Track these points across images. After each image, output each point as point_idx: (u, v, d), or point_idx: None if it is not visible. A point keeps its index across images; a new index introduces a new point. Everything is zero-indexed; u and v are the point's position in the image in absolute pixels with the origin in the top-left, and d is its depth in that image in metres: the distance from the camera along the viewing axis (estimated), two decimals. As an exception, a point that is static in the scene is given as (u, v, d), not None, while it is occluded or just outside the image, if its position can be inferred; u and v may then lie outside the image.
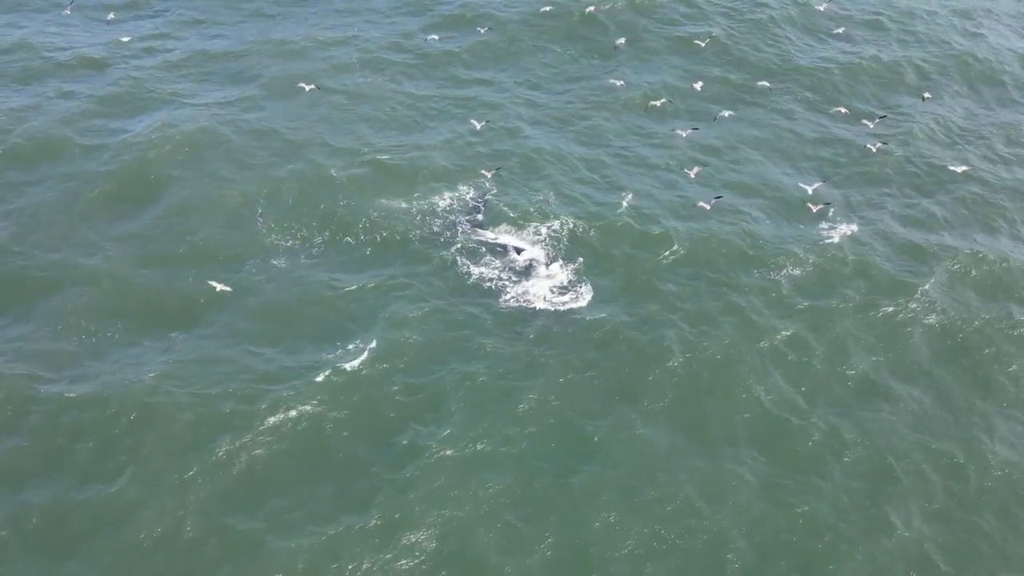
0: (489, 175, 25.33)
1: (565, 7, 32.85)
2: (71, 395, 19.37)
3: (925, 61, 31.73)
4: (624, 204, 24.98)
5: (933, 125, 28.81)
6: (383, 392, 19.81)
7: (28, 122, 26.92)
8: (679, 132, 26.78)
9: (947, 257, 23.71)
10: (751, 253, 23.48)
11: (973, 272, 23.39)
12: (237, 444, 18.60)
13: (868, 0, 35.14)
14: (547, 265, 23.25)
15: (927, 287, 22.68)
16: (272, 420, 19.06)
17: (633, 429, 19.21)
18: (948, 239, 24.55)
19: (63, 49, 30.39)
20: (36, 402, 19.30)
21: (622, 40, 30.49)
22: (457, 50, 30.86)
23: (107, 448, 18.54)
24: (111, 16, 31.26)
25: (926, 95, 28.92)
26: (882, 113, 28.31)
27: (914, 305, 22.28)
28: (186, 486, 17.94)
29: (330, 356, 20.49)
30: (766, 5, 34.23)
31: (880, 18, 34.03)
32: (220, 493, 17.90)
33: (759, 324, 21.58)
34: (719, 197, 24.73)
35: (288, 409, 19.27)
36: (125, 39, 30.56)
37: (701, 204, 24.51)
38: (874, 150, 26.51)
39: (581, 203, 25.17)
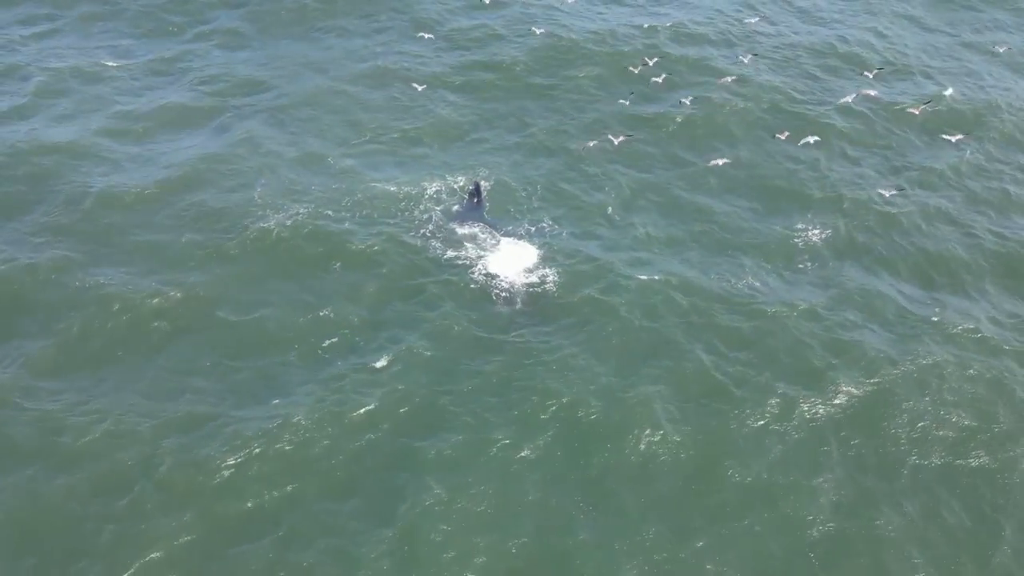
0: (483, 180, 25.69)
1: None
2: (65, 394, 19.43)
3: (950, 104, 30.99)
4: (617, 223, 24.83)
5: (949, 173, 27.91)
6: (360, 392, 19.71)
7: (57, 132, 27.46)
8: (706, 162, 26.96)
9: (945, 323, 22.33)
10: (732, 297, 22.57)
11: (975, 335, 22.07)
12: (219, 451, 18.47)
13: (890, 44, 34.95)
14: (518, 248, 23.52)
15: (920, 351, 21.41)
16: (252, 431, 18.86)
17: (598, 471, 18.65)
18: (948, 303, 23.39)
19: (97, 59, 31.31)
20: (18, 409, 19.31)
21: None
22: (487, 77, 31.19)
23: (99, 464, 18.35)
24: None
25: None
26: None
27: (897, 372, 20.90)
28: (171, 494, 17.76)
29: (309, 360, 20.52)
30: (793, 46, 34.24)
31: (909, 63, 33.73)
32: (207, 501, 17.70)
33: (738, 376, 20.61)
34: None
35: (271, 418, 19.15)
36: (152, 55, 31.53)
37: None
38: (887, 195, 26.03)
39: (573, 213, 25.18)
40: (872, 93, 30.45)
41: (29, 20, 33.29)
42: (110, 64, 31.04)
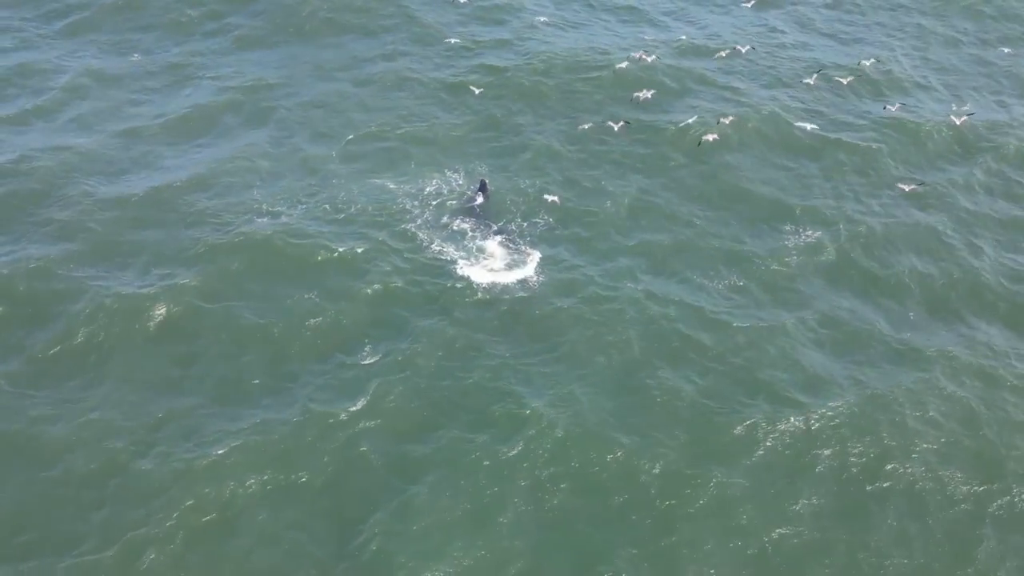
0: (484, 178, 25.98)
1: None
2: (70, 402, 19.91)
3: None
4: (611, 231, 24.92)
5: (951, 190, 27.60)
6: (342, 392, 20.11)
7: (66, 132, 27.99)
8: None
9: (926, 346, 22.22)
10: (713, 312, 22.53)
11: (953, 357, 21.88)
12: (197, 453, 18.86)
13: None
14: (508, 244, 23.93)
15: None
16: (237, 427, 19.29)
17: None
18: (933, 325, 23.21)
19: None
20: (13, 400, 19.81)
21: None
22: (493, 85, 31.21)
23: (90, 454, 18.80)
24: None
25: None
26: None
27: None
28: (158, 484, 18.22)
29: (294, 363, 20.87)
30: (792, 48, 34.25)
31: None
32: (192, 492, 18.05)
33: (721, 403, 20.47)
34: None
35: (255, 414, 19.58)
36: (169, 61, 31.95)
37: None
38: (881, 212, 25.89)
39: (568, 218, 25.30)
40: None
41: (50, 16, 33.91)
42: (124, 64, 31.51)
